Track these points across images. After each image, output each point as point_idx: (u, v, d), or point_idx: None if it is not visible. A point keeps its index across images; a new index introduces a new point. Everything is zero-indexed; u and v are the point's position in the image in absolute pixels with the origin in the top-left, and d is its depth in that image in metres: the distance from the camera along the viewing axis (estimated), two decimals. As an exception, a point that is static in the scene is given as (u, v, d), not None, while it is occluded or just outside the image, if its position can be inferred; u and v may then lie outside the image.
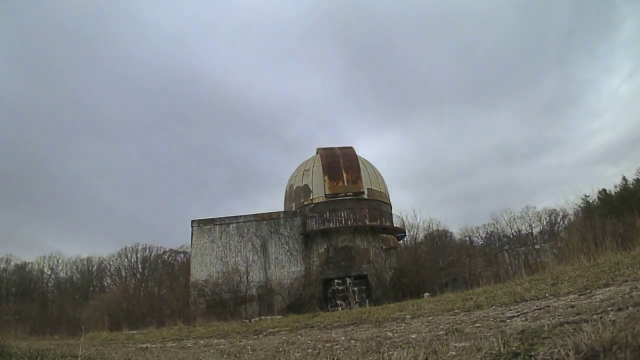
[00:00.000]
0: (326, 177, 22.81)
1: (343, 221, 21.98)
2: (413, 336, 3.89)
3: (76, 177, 71.81)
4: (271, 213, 23.34)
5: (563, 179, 57.63)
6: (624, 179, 27.93)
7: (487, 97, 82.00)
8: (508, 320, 3.89)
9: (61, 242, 66.85)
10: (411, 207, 62.33)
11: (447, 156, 77.57)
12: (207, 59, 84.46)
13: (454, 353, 2.57)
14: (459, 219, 63.45)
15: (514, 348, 2.29)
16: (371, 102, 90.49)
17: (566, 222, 33.13)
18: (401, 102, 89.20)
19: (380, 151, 78.66)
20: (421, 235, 27.60)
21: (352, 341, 4.33)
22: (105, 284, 42.83)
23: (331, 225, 21.93)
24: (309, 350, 4.07)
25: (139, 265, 41.97)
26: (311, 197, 23.21)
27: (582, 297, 4.40)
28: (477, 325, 3.97)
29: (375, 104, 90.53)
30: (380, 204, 23.68)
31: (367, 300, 20.00)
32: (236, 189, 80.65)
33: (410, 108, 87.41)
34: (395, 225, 23.86)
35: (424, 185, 74.20)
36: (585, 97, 73.86)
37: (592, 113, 70.70)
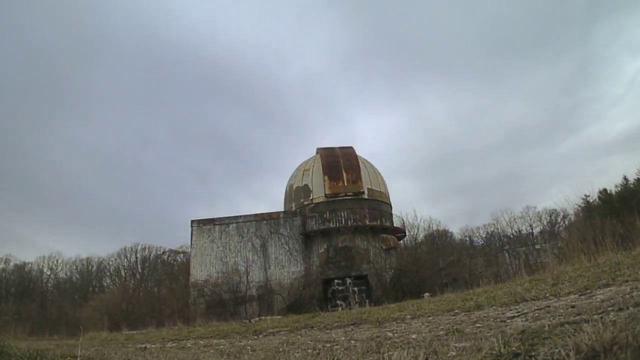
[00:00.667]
0: (326, 177, 22.82)
1: (343, 221, 21.99)
2: (413, 336, 3.88)
3: (72, 172, 70.43)
4: (271, 213, 23.35)
5: (574, 173, 55.70)
6: (624, 178, 27.96)
7: (502, 76, 79.11)
8: (508, 321, 3.89)
9: (57, 240, 66.07)
10: (415, 197, 60.52)
11: (455, 142, 75.46)
12: (207, 28, 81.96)
13: (454, 353, 2.57)
14: (462, 213, 62.15)
15: (514, 348, 2.28)
16: (380, 79, 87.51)
17: (566, 222, 33.15)
18: (413, 80, 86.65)
19: (387, 134, 76.38)
20: (421, 235, 27.73)
21: (352, 341, 4.32)
22: (105, 284, 42.82)
23: (331, 225, 21.94)
24: (309, 351, 4.06)
25: (139, 266, 41.97)
26: (311, 197, 23.21)
27: (582, 297, 4.38)
28: (478, 325, 3.97)
29: (384, 81, 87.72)
30: (380, 204, 23.69)
31: (367, 301, 19.99)
32: (236, 177, 79.63)
33: (422, 86, 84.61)
34: (395, 225, 23.89)
35: (429, 174, 72.57)
36: (604, 81, 71.32)
37: (610, 98, 68.66)
